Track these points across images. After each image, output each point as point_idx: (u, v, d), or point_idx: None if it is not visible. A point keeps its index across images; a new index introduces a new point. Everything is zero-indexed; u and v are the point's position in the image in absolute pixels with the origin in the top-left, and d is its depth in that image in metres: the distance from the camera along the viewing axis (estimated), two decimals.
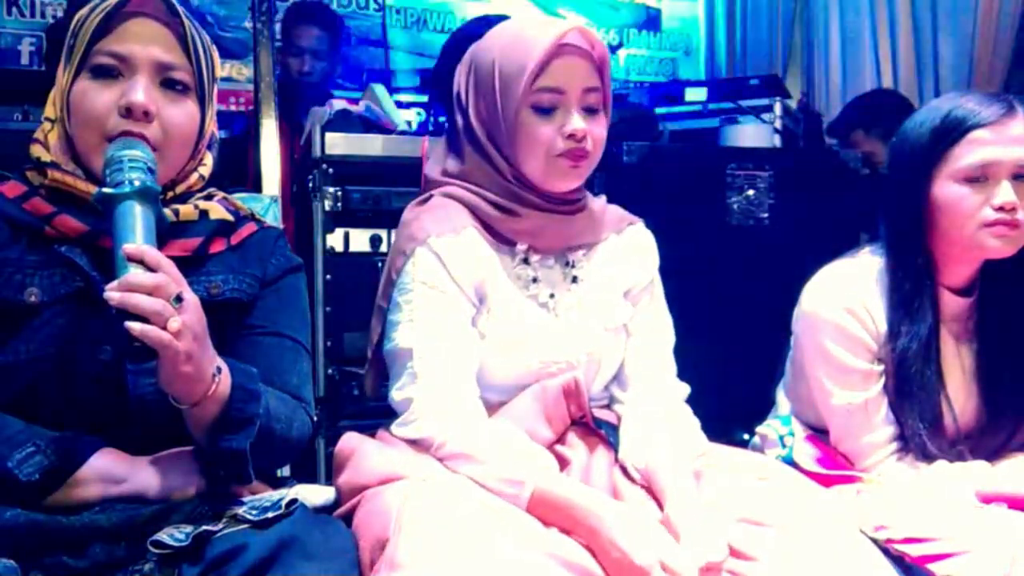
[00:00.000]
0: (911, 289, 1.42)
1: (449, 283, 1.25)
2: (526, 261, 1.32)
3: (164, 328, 0.95)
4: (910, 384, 1.42)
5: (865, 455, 1.45)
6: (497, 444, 1.17)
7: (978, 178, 1.37)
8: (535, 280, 1.32)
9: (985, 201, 1.36)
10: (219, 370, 1.04)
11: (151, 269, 0.97)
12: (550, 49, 1.23)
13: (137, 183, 1.02)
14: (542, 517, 1.10)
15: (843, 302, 1.45)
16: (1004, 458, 1.45)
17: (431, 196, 1.34)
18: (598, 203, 1.39)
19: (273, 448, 1.12)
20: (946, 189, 1.39)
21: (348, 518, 1.16)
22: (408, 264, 1.26)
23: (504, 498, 1.11)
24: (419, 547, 0.98)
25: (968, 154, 1.37)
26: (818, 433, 1.56)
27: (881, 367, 1.45)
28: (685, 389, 1.41)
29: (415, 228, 1.28)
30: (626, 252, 1.40)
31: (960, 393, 1.47)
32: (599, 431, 1.32)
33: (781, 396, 1.66)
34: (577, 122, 1.25)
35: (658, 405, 1.35)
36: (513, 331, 1.28)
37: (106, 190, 1.02)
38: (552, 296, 1.32)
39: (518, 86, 1.23)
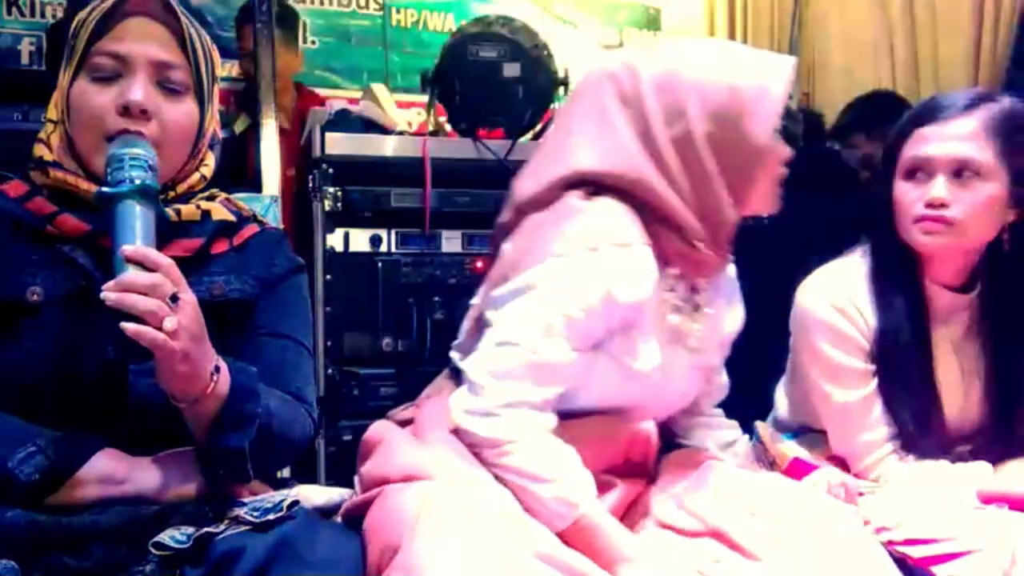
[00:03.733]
0: (892, 285, 1.44)
1: (600, 300, 1.16)
2: (672, 289, 1.26)
3: (160, 328, 0.95)
4: (896, 381, 1.43)
5: (863, 455, 1.45)
6: (553, 467, 1.13)
7: (919, 173, 1.39)
8: (678, 309, 1.27)
9: (921, 197, 1.38)
10: (217, 369, 1.04)
11: (150, 269, 0.97)
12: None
13: (137, 181, 1.02)
14: (571, 542, 1.09)
15: (832, 301, 1.45)
16: (1008, 462, 1.45)
17: (596, 194, 1.21)
18: None
19: (273, 448, 1.12)
20: (896, 186, 1.42)
21: (359, 509, 1.14)
22: (570, 262, 1.15)
23: (543, 514, 1.10)
24: (434, 555, 0.96)
25: (909, 150, 1.40)
26: (811, 433, 1.56)
27: (875, 366, 1.45)
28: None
29: (591, 225, 1.17)
30: (729, 292, 1.38)
31: (957, 393, 1.46)
32: (649, 471, 1.31)
33: (780, 395, 1.66)
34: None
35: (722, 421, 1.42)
36: (646, 361, 1.23)
37: (106, 189, 1.02)
38: (685, 328, 1.28)
39: (772, 113, 1.21)
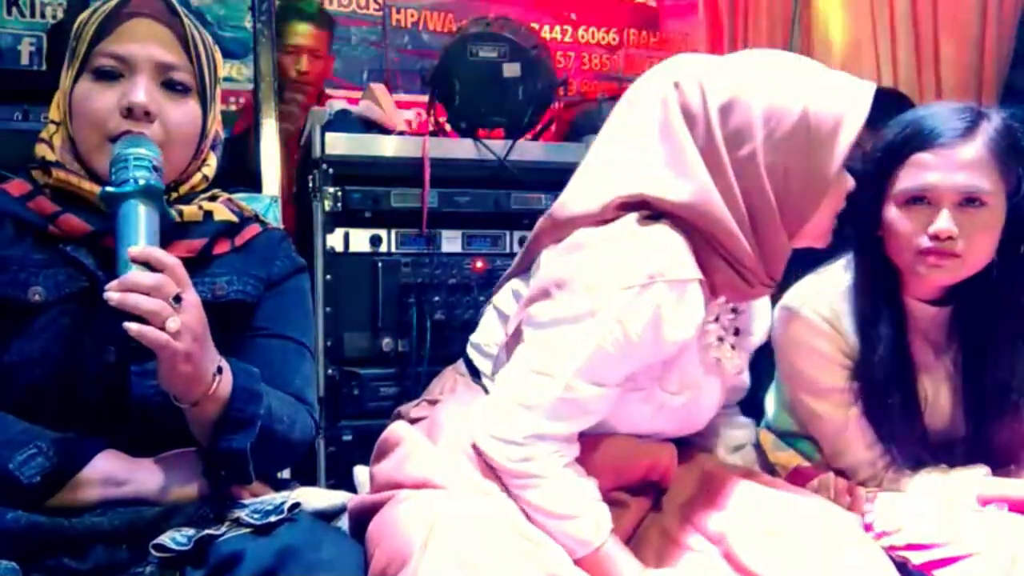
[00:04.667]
0: (873, 301, 1.40)
1: (646, 339, 1.10)
2: (717, 319, 1.23)
3: (162, 328, 0.95)
4: (880, 396, 1.40)
5: (860, 471, 1.43)
6: (571, 505, 1.13)
7: (920, 202, 1.32)
8: (720, 340, 1.24)
9: (923, 227, 1.31)
10: (220, 370, 1.05)
11: (157, 269, 0.97)
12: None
13: (141, 181, 1.03)
14: (585, 569, 1.10)
15: (811, 323, 1.41)
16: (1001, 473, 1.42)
17: (654, 218, 1.15)
18: None
19: (274, 449, 1.12)
20: (890, 211, 1.35)
21: (368, 508, 1.14)
22: (622, 298, 1.09)
23: (561, 545, 1.11)
24: (443, 572, 0.97)
25: (908, 178, 1.33)
26: (809, 441, 1.55)
27: (857, 383, 1.42)
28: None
29: (648, 257, 1.11)
30: (760, 310, 1.37)
31: (940, 405, 1.44)
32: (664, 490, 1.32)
33: (769, 402, 1.65)
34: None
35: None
36: (687, 392, 1.22)
37: (110, 189, 1.02)
38: (724, 362, 1.26)
39: (845, 144, 1.12)
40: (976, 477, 1.37)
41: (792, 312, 1.44)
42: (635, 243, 1.12)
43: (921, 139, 1.32)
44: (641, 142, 1.18)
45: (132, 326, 0.94)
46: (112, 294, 0.95)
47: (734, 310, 1.26)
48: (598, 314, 1.10)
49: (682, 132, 1.15)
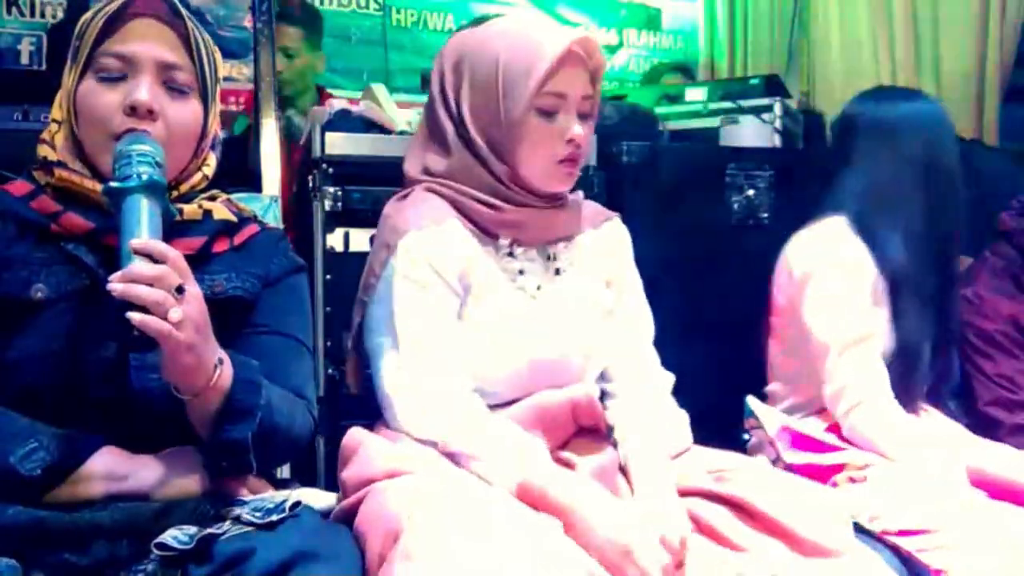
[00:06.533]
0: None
1: (432, 276, 1.25)
2: (511, 254, 1.31)
3: (165, 318, 0.96)
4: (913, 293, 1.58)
5: (845, 394, 1.52)
6: (492, 440, 1.19)
7: None
8: (521, 272, 1.31)
9: None
10: (221, 361, 1.05)
11: (158, 262, 0.98)
12: (562, 55, 1.23)
13: (145, 177, 1.04)
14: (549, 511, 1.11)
15: (839, 247, 1.59)
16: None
17: (411, 191, 1.33)
18: (576, 198, 1.39)
19: (274, 441, 1.12)
20: None
21: (348, 512, 1.16)
22: (391, 258, 1.25)
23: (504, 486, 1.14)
24: (432, 540, 0.99)
25: None
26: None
27: (880, 310, 1.56)
28: (669, 378, 1.42)
29: (397, 221, 1.28)
30: (604, 245, 1.42)
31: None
32: (607, 437, 1.33)
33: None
34: (578, 128, 1.27)
35: (643, 397, 1.38)
36: (503, 321, 1.28)
37: (114, 184, 1.04)
38: (539, 288, 1.32)
39: (526, 88, 1.23)
40: (962, 449, 1.45)
41: (815, 245, 1.63)
42: (392, 216, 1.30)
43: None
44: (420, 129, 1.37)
45: (135, 315, 0.95)
46: (115, 285, 0.96)
47: (550, 256, 1.34)
48: (389, 280, 1.25)
49: (437, 106, 1.32)
